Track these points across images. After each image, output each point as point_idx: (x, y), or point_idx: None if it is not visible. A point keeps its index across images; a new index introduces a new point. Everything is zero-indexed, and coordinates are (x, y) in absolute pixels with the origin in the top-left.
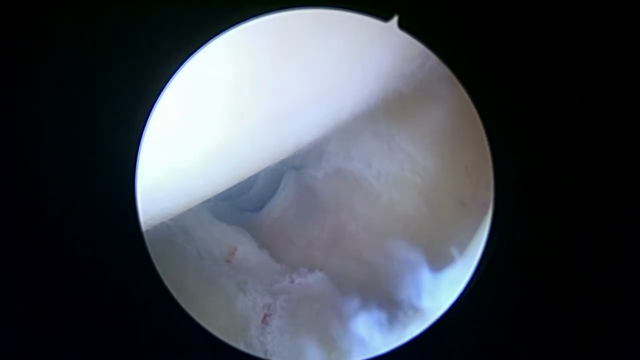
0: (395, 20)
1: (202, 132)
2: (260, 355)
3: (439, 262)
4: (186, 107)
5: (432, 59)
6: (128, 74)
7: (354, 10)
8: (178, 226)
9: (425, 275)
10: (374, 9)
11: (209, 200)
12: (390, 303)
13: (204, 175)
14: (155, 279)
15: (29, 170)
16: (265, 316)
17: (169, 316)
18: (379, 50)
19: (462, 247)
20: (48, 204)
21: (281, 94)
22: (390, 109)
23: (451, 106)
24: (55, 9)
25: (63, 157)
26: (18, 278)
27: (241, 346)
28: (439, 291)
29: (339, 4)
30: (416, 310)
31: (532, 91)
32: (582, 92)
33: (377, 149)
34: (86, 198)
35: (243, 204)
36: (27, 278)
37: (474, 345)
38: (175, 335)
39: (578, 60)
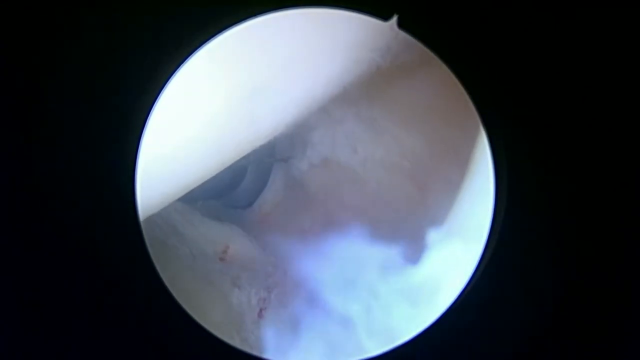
0: (395, 20)
1: (184, 116)
2: (255, 350)
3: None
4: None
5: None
6: (126, 74)
7: (354, 10)
8: (170, 227)
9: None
10: (374, 9)
11: (198, 200)
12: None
13: (184, 162)
14: (154, 276)
15: (28, 169)
16: (260, 310)
17: (169, 316)
18: (347, 22)
19: (456, 228)
20: (47, 204)
21: (249, 69)
22: (372, 91)
23: (435, 82)
24: (56, 9)
25: (62, 159)
26: (17, 277)
27: (237, 341)
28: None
29: (339, 3)
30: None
31: (534, 91)
32: (580, 81)
33: (362, 134)
34: (85, 197)
35: (233, 201)
36: (26, 277)
37: (475, 343)
38: (176, 334)
39: (578, 58)
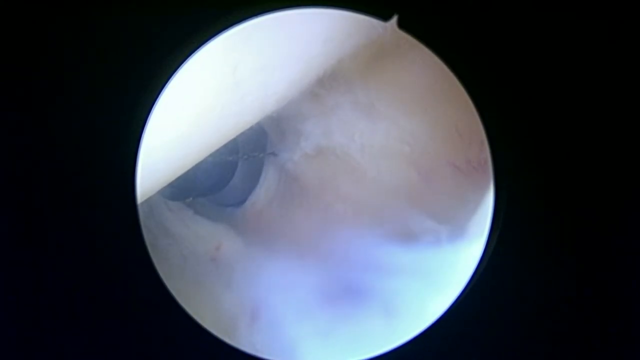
0: (395, 20)
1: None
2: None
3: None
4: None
5: None
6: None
7: (354, 10)
8: (159, 227)
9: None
10: (374, 9)
11: (189, 198)
12: None
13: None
14: (154, 277)
15: (28, 167)
16: (253, 312)
17: (169, 316)
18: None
19: (461, 214)
20: (47, 202)
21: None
22: (367, 74)
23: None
24: (56, 9)
25: (62, 159)
26: (16, 276)
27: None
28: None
29: (339, 3)
30: None
31: (537, 92)
32: (581, 81)
33: (359, 120)
34: (85, 194)
35: (224, 199)
36: (25, 276)
37: (474, 344)
38: (174, 334)
39: (580, 59)
